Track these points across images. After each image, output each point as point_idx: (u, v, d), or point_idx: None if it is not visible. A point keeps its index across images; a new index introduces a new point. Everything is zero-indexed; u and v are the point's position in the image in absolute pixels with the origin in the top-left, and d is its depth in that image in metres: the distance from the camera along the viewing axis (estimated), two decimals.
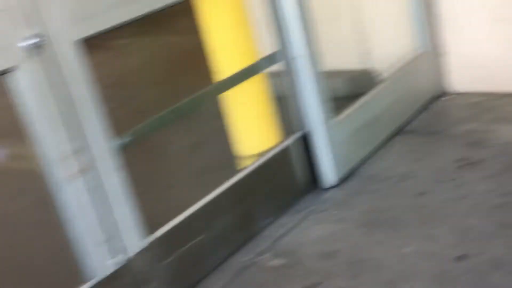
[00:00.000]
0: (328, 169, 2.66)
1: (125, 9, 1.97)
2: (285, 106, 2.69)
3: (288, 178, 2.63)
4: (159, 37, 5.47)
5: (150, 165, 3.14)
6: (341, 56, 3.51)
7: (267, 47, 2.55)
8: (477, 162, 2.59)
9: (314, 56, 2.54)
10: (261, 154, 2.56)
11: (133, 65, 5.19)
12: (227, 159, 2.76)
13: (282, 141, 2.62)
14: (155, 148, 3.20)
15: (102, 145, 1.92)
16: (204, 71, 2.83)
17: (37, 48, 1.73)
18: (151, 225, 2.09)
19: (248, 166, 2.49)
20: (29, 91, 1.73)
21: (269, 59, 2.54)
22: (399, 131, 3.01)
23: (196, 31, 2.64)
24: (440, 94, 3.31)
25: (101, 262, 1.93)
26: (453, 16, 3.18)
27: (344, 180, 2.70)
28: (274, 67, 2.57)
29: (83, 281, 1.91)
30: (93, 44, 1.97)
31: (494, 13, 3.04)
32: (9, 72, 1.70)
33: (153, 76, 4.69)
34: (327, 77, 2.64)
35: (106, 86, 4.61)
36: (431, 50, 3.22)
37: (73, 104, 1.83)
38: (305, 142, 2.66)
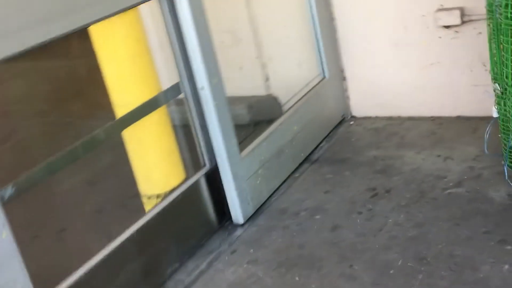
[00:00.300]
0: (237, 206, 2.52)
1: (14, 42, 1.73)
2: (191, 139, 2.54)
3: (196, 217, 2.46)
4: (50, 60, 5.08)
5: (39, 214, 2.85)
6: (244, 82, 3.41)
7: (169, 79, 2.38)
8: (387, 191, 2.55)
9: (218, 87, 2.40)
10: (166, 193, 2.38)
11: (17, 91, 4.79)
12: (128, 201, 2.55)
13: (188, 178, 2.46)
14: (45, 191, 2.91)
15: None
16: (99, 99, 2.61)
17: None
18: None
19: (152, 208, 2.29)
20: None
21: (171, 91, 2.37)
22: (306, 161, 2.94)
23: (92, 55, 2.42)
24: (345, 120, 3.28)
25: None
26: (353, 41, 3.17)
27: (254, 216, 2.57)
28: (180, 97, 2.41)
29: None
30: None
31: (392, 38, 3.06)
32: None
33: (42, 105, 4.33)
34: (229, 103, 2.51)
35: None
36: (333, 76, 3.19)
37: None
38: (213, 177, 2.50)
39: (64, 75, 4.66)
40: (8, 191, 1.75)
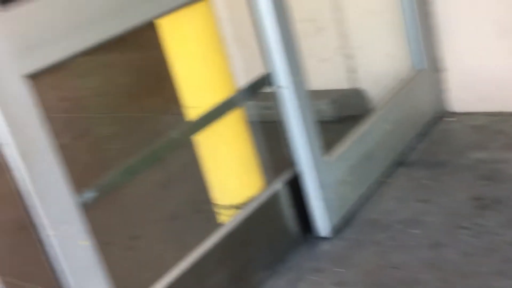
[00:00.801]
0: (321, 216, 2.25)
1: (84, 35, 1.55)
2: (269, 142, 2.29)
3: (276, 230, 2.21)
4: (118, 53, 4.97)
5: (115, 221, 2.68)
6: (326, 75, 3.12)
7: (246, 76, 2.14)
8: (496, 202, 2.20)
9: (300, 86, 2.12)
10: (243, 203, 2.15)
11: (88, 87, 4.70)
12: (201, 211, 2.34)
13: (268, 186, 2.21)
14: (119, 199, 2.74)
15: (62, 204, 1.50)
16: (169, 94, 2.40)
17: None
18: None
19: (229, 220, 2.06)
20: None
21: (250, 90, 2.13)
22: (399, 164, 2.61)
23: (159, 46, 2.21)
24: (442, 117, 2.92)
25: None
26: (453, 28, 2.80)
27: (341, 228, 2.29)
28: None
29: None
30: None
31: (499, 24, 2.67)
32: None
33: (112, 101, 4.21)
34: (312, 98, 2.24)
35: (58, 112, 4.15)
36: (429, 67, 2.83)
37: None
38: (295, 185, 2.24)
39: (134, 72, 4.53)
40: (90, 194, 1.60)
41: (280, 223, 2.23)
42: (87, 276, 1.55)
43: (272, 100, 2.20)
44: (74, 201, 1.52)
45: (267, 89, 2.16)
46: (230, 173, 2.21)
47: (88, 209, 1.57)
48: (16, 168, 1.42)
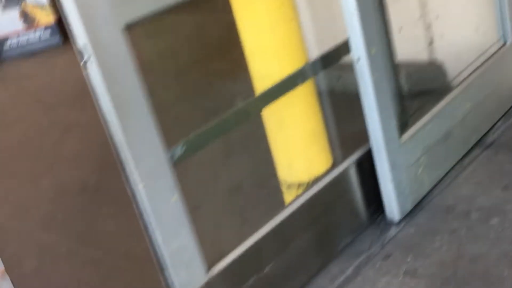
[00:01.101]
0: (392, 199, 2.11)
1: None
2: (340, 116, 2.16)
3: (343, 211, 2.08)
4: (187, 15, 4.85)
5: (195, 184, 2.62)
6: (402, 46, 2.92)
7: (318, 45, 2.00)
8: None
9: (377, 59, 1.96)
10: (310, 183, 2.03)
11: (157, 47, 4.62)
12: (266, 188, 2.24)
13: (336, 165, 2.08)
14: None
15: (152, 158, 1.50)
16: (239, 61, 2.30)
17: None
18: (210, 257, 1.69)
19: (294, 200, 1.95)
20: None
21: (324, 60, 1.98)
22: (478, 145, 2.42)
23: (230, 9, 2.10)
24: None
25: None
26: None
27: (412, 212, 2.14)
28: None
29: None
30: None
31: None
32: None
33: (182, 62, 4.12)
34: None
35: None
36: None
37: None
38: (365, 164, 2.10)
39: (205, 29, 4.41)
40: (179, 150, 1.57)
41: (348, 205, 2.10)
42: (175, 231, 1.55)
43: (345, 71, 2.06)
44: (164, 156, 1.52)
45: (342, 60, 2.02)
46: (298, 148, 2.09)
47: (176, 165, 1.56)
48: (111, 120, 1.41)
